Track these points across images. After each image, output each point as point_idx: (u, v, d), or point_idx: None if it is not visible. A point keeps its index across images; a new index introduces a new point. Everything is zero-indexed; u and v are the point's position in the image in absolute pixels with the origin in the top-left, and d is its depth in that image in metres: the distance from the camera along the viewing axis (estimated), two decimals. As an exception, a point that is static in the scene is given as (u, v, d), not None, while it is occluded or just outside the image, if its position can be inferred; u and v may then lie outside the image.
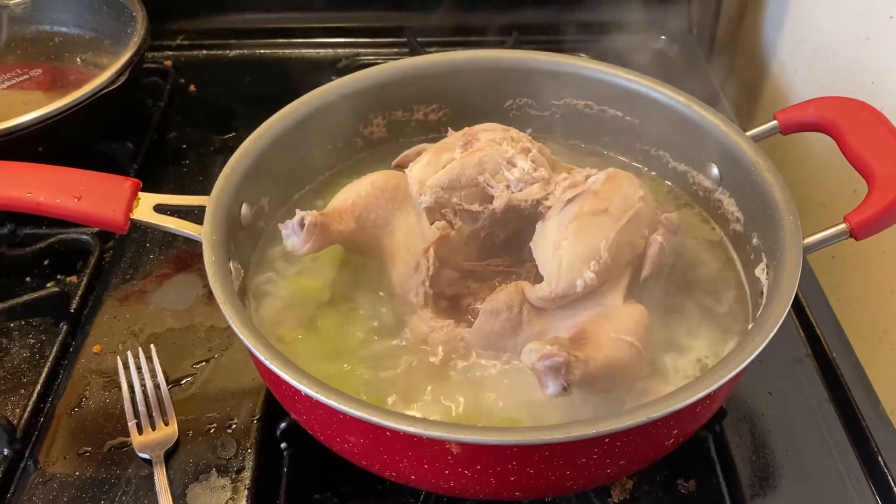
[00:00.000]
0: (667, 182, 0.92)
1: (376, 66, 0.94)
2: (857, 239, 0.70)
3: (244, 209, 0.80)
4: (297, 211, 0.75)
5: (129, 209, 0.73)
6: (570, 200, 0.75)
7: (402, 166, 0.86)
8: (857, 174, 0.76)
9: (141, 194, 0.75)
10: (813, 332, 0.89)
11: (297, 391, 0.61)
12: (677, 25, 1.37)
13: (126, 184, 0.74)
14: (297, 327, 0.78)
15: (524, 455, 0.59)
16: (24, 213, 0.73)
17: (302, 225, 0.74)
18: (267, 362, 0.61)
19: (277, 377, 0.62)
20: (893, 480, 0.76)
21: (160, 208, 0.75)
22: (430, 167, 0.80)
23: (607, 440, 0.59)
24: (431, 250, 0.76)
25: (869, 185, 0.72)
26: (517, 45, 1.29)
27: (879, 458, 0.78)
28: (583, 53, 1.30)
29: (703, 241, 0.86)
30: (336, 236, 0.78)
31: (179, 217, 0.76)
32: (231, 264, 0.74)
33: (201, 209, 0.76)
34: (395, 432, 0.58)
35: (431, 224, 0.77)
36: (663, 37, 1.35)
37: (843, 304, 1.11)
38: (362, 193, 0.81)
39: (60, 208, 0.71)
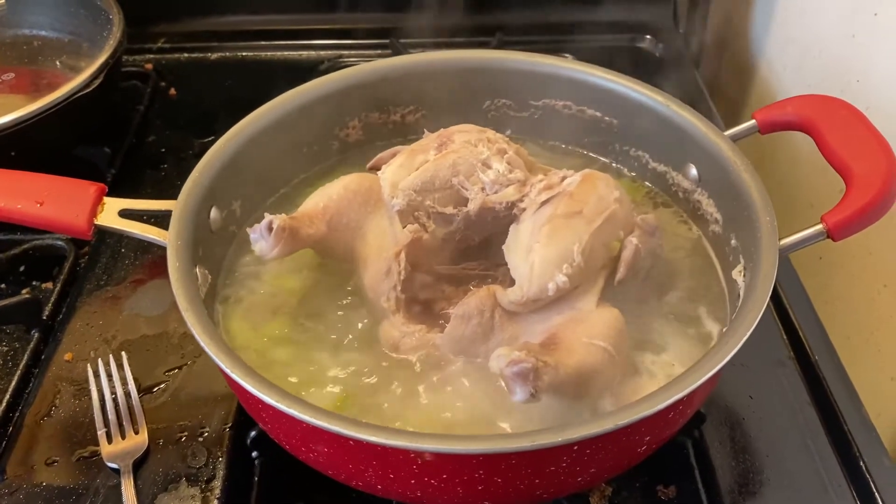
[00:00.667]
0: (646, 183, 0.91)
1: (352, 67, 0.93)
2: (834, 240, 0.69)
3: (213, 213, 0.79)
4: (266, 214, 0.74)
5: (94, 214, 0.72)
6: (544, 202, 0.74)
7: (376, 168, 0.85)
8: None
9: (106, 199, 0.74)
10: (795, 335, 0.88)
11: (260, 400, 0.60)
12: (663, 25, 1.36)
13: (91, 189, 0.73)
14: (267, 333, 0.77)
15: (491, 464, 0.57)
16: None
17: (270, 229, 0.73)
18: (229, 371, 0.60)
19: (240, 386, 0.60)
20: (875, 486, 0.75)
21: (126, 213, 0.74)
22: (404, 169, 0.78)
23: (576, 448, 0.57)
24: (403, 254, 0.74)
25: (847, 184, 0.70)
26: (501, 45, 1.27)
27: (861, 462, 0.76)
28: (567, 54, 1.28)
29: (681, 242, 0.85)
30: (306, 240, 0.76)
31: (153, 222, 0.75)
32: (197, 270, 0.73)
33: (168, 212, 0.74)
34: (358, 442, 0.57)
35: (404, 227, 0.76)
36: (648, 36, 1.34)
37: (829, 306, 1.09)
38: (334, 197, 0.79)
39: (22, 214, 0.70)
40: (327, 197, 0.79)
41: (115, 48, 1.07)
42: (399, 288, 0.74)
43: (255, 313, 0.79)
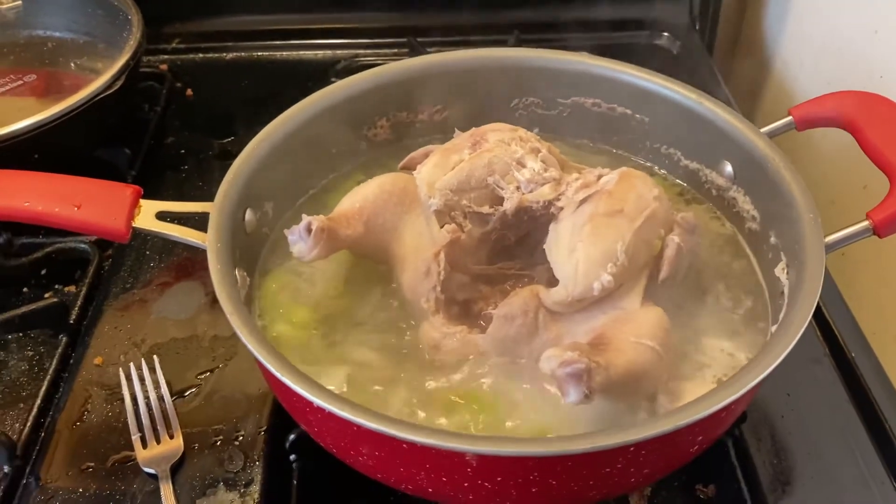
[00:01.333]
0: (678, 181, 0.90)
1: (379, 67, 0.92)
2: (880, 236, 0.69)
3: (248, 215, 0.78)
4: (304, 216, 0.73)
5: (131, 217, 0.71)
6: (583, 201, 0.73)
7: (408, 168, 0.84)
8: (867, 170, 0.74)
9: (142, 201, 0.73)
10: (830, 332, 0.88)
11: (309, 403, 0.59)
12: (679, 21, 1.35)
13: (127, 191, 0.72)
14: (306, 335, 0.76)
15: (547, 466, 0.57)
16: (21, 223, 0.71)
17: (309, 230, 0.72)
18: (278, 374, 0.59)
19: (288, 389, 0.60)
20: (918, 481, 0.75)
21: (162, 215, 0.73)
22: (439, 169, 0.78)
23: (632, 449, 0.57)
24: (442, 254, 0.74)
25: (892, 180, 0.70)
26: (518, 43, 1.27)
27: (903, 458, 0.76)
28: (584, 51, 1.28)
29: (714, 238, 0.84)
30: (344, 241, 0.76)
31: (181, 224, 0.74)
32: (236, 272, 0.72)
33: (203, 216, 0.73)
34: (412, 444, 0.56)
35: (441, 227, 0.75)
36: (666, 33, 1.34)
37: (855, 302, 1.09)
38: (370, 197, 0.79)
39: (60, 217, 0.69)
40: (363, 197, 0.79)
41: (136, 49, 1.06)
42: (439, 288, 0.74)
43: (290, 315, 0.78)
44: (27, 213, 0.69)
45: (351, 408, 0.57)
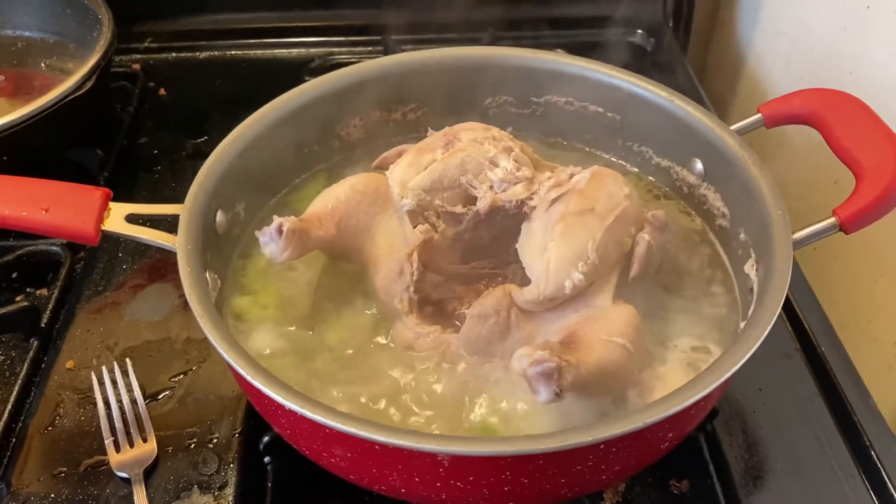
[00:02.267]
0: (650, 178, 0.91)
1: (352, 66, 0.91)
2: (846, 233, 0.70)
3: (219, 216, 0.78)
4: (275, 217, 0.73)
5: (100, 220, 0.70)
6: (555, 200, 0.73)
7: (381, 168, 0.84)
8: (836, 166, 0.75)
9: (112, 204, 0.72)
10: (801, 326, 0.89)
11: (281, 406, 0.59)
12: (653, 19, 1.36)
13: (96, 193, 0.71)
14: (278, 336, 0.76)
15: (518, 465, 0.57)
16: (-12, 226, 0.70)
17: (280, 231, 0.72)
18: (249, 377, 0.59)
19: (259, 392, 0.60)
20: (886, 474, 0.76)
21: (132, 218, 0.73)
22: (412, 168, 0.78)
23: (602, 447, 0.57)
24: (415, 255, 0.74)
25: (857, 177, 0.71)
26: (493, 40, 1.27)
27: (872, 451, 0.77)
28: (560, 49, 1.28)
29: (685, 234, 0.85)
30: (316, 242, 0.76)
31: (154, 226, 0.74)
32: (207, 275, 0.71)
33: (175, 218, 0.73)
34: (384, 446, 0.56)
35: (414, 227, 0.75)
36: (640, 31, 1.34)
37: (825, 295, 1.10)
38: (342, 198, 0.78)
39: (27, 221, 0.68)
40: (335, 198, 0.78)
41: (106, 49, 1.05)
42: (412, 289, 0.74)
43: (262, 317, 0.77)
44: (-6, 217, 0.68)
45: (322, 410, 0.57)
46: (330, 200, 0.78)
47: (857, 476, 0.76)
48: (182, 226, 0.71)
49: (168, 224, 0.74)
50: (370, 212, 0.79)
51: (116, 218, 0.71)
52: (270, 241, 0.73)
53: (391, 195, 0.78)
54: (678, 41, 1.37)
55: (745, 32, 1.39)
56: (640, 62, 1.29)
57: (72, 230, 0.69)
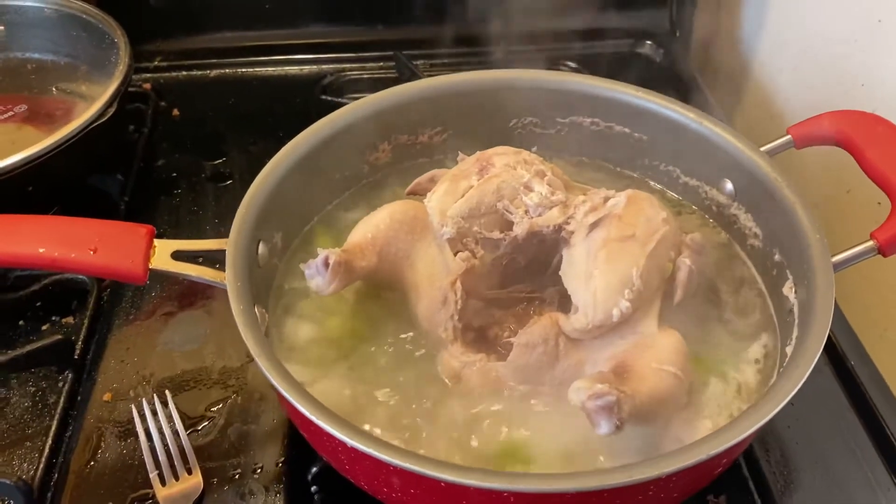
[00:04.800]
0: (676, 195, 0.92)
1: (380, 93, 0.92)
2: (885, 255, 0.71)
3: (261, 248, 0.78)
4: (320, 250, 0.74)
5: (147, 258, 0.70)
6: (594, 226, 0.74)
7: (415, 193, 0.85)
8: (867, 188, 0.77)
9: (156, 241, 0.72)
10: (829, 341, 0.90)
11: (342, 443, 0.59)
12: (661, 29, 1.37)
13: (141, 231, 0.71)
14: (324, 367, 0.76)
15: (583, 499, 0.58)
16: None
17: (326, 264, 0.73)
18: (314, 418, 0.59)
19: (321, 430, 0.60)
20: (920, 485, 0.78)
21: (178, 255, 0.72)
22: (449, 196, 0.78)
23: (664, 478, 0.58)
24: (458, 283, 0.75)
25: (892, 200, 0.72)
26: (505, 55, 1.27)
27: (905, 463, 0.79)
28: (570, 62, 1.30)
29: (715, 252, 0.86)
30: (360, 272, 0.76)
31: (193, 259, 0.74)
32: (256, 309, 0.72)
33: (217, 251, 0.73)
34: (450, 484, 0.57)
35: (455, 255, 0.76)
36: (649, 42, 1.35)
37: (842, 303, 1.12)
38: (381, 227, 0.79)
39: (77, 263, 0.68)
40: (374, 227, 0.79)
41: (126, 74, 1.04)
42: (457, 317, 0.74)
43: (307, 348, 0.78)
44: (42, 260, 0.68)
45: (391, 451, 0.57)
46: (370, 230, 0.79)
47: (892, 486, 0.78)
48: (229, 261, 0.71)
49: (206, 256, 0.74)
50: (409, 240, 0.79)
51: (163, 255, 0.71)
52: (316, 274, 0.73)
53: (429, 223, 0.78)
54: (686, 51, 1.38)
55: (749, 41, 1.40)
56: (650, 74, 1.30)
57: (121, 270, 0.69)
